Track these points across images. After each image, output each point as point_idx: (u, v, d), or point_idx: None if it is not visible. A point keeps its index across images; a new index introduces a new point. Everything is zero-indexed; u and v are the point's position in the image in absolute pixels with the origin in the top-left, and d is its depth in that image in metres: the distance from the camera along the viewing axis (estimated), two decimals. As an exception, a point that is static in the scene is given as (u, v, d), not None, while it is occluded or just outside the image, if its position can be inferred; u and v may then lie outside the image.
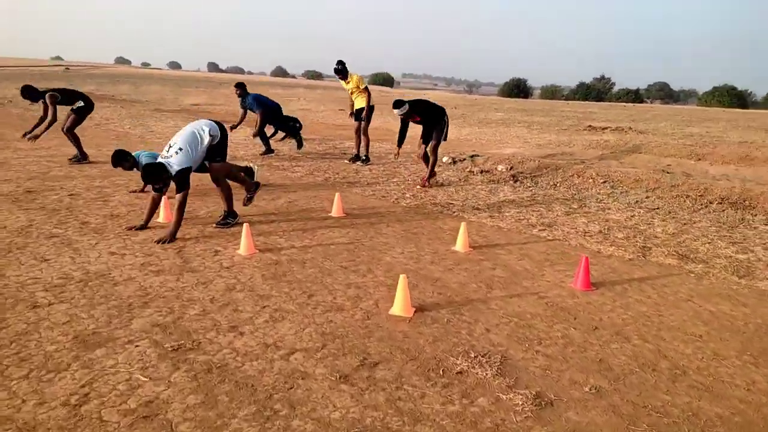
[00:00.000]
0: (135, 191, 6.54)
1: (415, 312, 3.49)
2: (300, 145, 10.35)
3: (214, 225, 5.25)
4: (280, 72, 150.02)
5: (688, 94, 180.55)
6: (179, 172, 4.69)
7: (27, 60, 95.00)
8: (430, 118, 7.21)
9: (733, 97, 58.47)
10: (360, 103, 8.89)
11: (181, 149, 4.74)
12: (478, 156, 9.91)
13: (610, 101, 69.67)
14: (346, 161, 9.12)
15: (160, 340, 3.00)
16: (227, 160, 5.40)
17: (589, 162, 9.26)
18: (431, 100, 7.60)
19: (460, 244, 4.85)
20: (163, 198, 5.25)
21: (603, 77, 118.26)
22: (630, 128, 16.75)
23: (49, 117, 7.68)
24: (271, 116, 9.65)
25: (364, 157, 8.97)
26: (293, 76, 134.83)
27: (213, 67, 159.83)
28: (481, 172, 8.37)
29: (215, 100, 24.84)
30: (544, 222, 5.84)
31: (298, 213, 5.85)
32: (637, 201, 6.88)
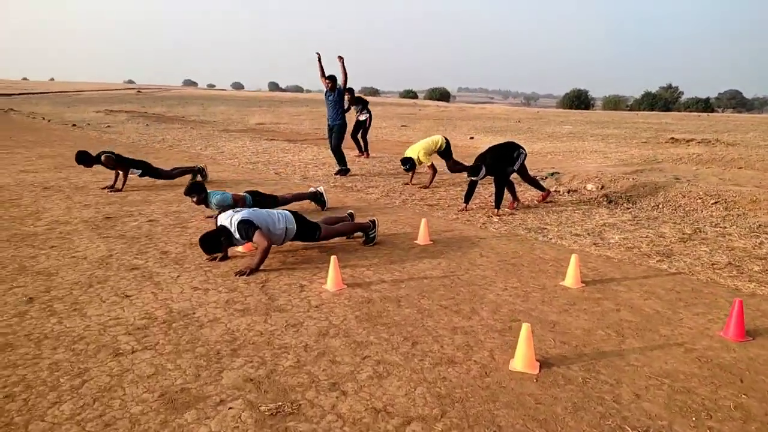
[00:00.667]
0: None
1: (540, 367, 2.96)
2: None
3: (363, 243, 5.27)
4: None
5: (763, 102, 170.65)
6: (241, 222, 4.53)
7: (102, 84, 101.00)
8: (500, 165, 6.63)
9: None
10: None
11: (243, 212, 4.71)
12: (558, 173, 9.25)
13: (678, 111, 66.42)
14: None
15: (255, 400, 2.62)
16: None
17: (685, 179, 8.43)
18: (497, 144, 7.04)
19: (571, 279, 4.28)
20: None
21: (670, 86, 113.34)
22: (717, 140, 15.54)
23: (121, 176, 7.77)
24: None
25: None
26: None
27: (273, 86, 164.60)
28: (569, 191, 7.72)
29: (280, 119, 25.16)
30: (659, 251, 5.16)
31: (381, 240, 5.43)
32: (760, 225, 6.06)
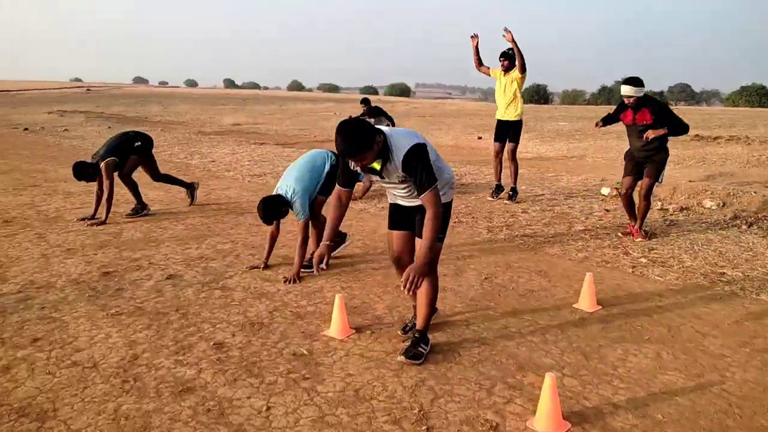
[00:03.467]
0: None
1: None
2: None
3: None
4: (296, 86, 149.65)
5: (711, 94, 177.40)
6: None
7: (48, 82, 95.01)
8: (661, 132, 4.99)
9: (763, 97, 55.84)
10: (513, 111, 6.82)
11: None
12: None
13: None
14: (489, 198, 7.06)
15: None
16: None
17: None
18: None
19: None
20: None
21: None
22: (746, 137, 14.54)
23: (106, 191, 5.76)
24: None
25: (512, 192, 6.89)
26: (309, 90, 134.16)
27: (229, 83, 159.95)
28: (681, 209, 6.26)
29: (255, 119, 23.10)
30: None
31: (519, 303, 3.79)
32: None
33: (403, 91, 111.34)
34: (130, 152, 6.02)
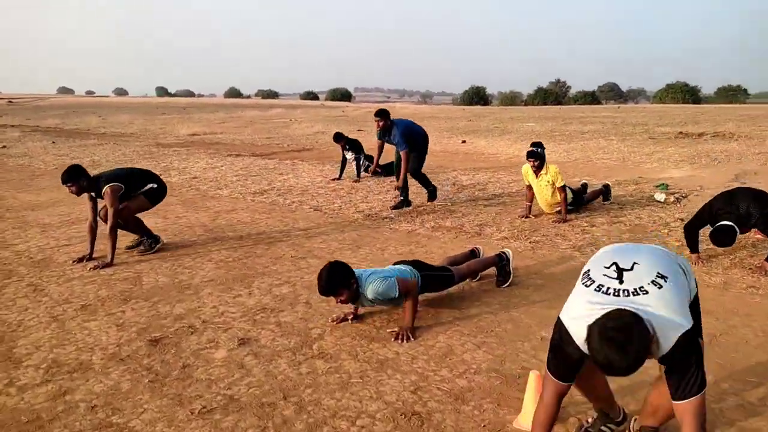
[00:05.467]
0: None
1: None
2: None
3: None
4: (233, 93, 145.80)
5: (638, 93, 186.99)
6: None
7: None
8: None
9: (686, 93, 58.88)
10: (555, 197, 5.98)
11: None
12: (667, 186, 7.35)
13: (568, 104, 69.19)
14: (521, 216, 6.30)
15: None
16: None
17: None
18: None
19: None
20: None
21: (559, 81, 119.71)
22: (732, 133, 14.65)
23: (110, 221, 4.64)
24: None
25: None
26: (248, 96, 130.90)
27: (162, 91, 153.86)
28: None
29: (212, 129, 21.63)
30: None
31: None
32: None
33: (344, 95, 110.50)
34: (140, 190, 4.91)
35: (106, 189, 4.59)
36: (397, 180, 6.73)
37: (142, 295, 3.95)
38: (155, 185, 4.99)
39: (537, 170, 5.94)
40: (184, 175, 9.60)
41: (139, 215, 4.99)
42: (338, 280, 3.12)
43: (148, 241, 5.02)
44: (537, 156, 5.88)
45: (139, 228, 5.02)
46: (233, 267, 4.58)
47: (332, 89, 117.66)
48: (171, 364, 2.94)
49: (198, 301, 3.84)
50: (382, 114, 6.60)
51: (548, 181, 5.89)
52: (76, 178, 4.57)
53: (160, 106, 50.13)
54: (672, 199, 6.42)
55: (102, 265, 4.58)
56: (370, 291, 3.22)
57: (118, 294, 3.97)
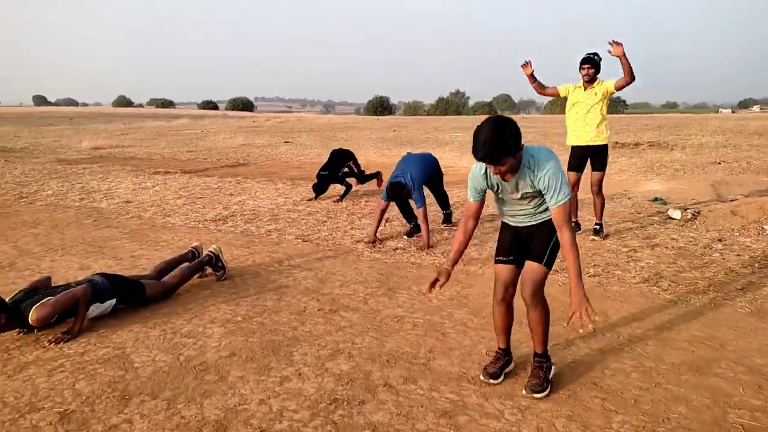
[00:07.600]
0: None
1: None
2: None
3: None
4: (123, 102, 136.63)
5: (529, 103, 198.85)
6: None
7: None
8: None
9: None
10: (603, 133, 5.42)
11: None
12: (662, 200, 7.11)
13: (468, 115, 71.97)
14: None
15: None
16: None
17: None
18: None
19: None
20: None
21: (458, 92, 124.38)
22: (665, 142, 15.20)
23: (78, 324, 3.38)
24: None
25: (597, 226, 5.61)
26: (140, 105, 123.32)
27: (41, 100, 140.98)
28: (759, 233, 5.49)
29: (118, 141, 19.41)
30: None
31: None
32: None
33: (245, 105, 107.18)
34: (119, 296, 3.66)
35: (78, 289, 3.30)
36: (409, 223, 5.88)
37: (145, 389, 2.76)
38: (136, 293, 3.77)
39: (589, 82, 5.26)
40: (113, 199, 8.04)
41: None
42: (507, 141, 2.36)
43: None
44: (593, 63, 5.18)
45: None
46: (250, 330, 3.46)
47: (232, 99, 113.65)
48: None
49: (232, 392, 2.73)
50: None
51: (602, 96, 5.22)
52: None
53: (44, 116, 45.50)
54: (689, 216, 6.07)
55: (66, 339, 3.28)
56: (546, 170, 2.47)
57: (108, 389, 2.75)
